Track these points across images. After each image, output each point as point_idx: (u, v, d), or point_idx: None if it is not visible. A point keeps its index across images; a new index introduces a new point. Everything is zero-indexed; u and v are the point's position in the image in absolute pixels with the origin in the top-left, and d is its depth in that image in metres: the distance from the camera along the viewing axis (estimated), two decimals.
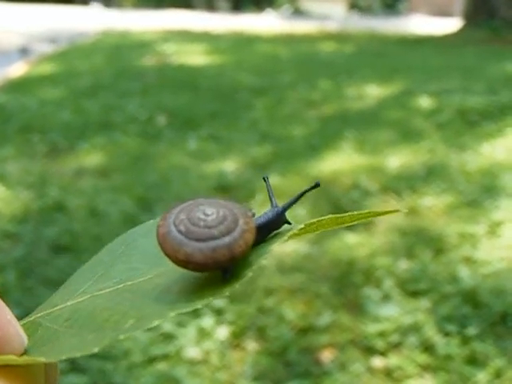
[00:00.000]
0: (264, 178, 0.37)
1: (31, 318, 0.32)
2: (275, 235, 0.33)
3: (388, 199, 3.00)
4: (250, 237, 0.30)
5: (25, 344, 0.29)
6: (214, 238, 0.29)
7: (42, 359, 0.27)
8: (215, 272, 0.30)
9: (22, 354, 0.28)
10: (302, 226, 0.33)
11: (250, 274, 0.29)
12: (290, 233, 0.32)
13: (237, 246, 0.29)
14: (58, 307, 0.33)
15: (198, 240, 0.29)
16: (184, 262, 0.29)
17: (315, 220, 0.33)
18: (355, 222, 0.35)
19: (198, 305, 0.28)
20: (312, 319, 2.01)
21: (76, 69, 7.02)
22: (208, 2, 23.98)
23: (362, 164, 3.52)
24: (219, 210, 0.30)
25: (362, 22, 17.86)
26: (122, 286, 0.32)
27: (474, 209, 2.86)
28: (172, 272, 0.32)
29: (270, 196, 0.36)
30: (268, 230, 0.33)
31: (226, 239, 0.29)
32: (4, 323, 0.27)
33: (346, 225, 0.35)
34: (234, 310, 2.03)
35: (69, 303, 0.33)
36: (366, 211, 0.34)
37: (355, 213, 0.34)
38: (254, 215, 0.32)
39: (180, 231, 0.30)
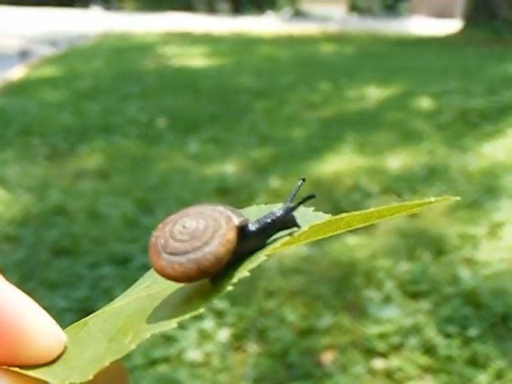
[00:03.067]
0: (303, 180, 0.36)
1: (86, 318, 0.33)
2: (280, 236, 0.32)
3: (389, 200, 3.00)
4: (222, 250, 0.30)
5: (61, 342, 0.29)
6: (185, 252, 0.30)
7: (48, 379, 0.27)
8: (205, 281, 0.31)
9: (61, 354, 0.28)
10: (306, 228, 0.31)
11: (230, 287, 0.29)
12: (281, 242, 0.31)
13: (204, 260, 0.29)
14: (108, 307, 0.33)
15: (172, 254, 0.30)
16: (161, 274, 0.30)
17: (337, 217, 0.32)
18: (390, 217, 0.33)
19: (173, 324, 0.28)
20: (313, 321, 2.01)
21: (76, 71, 7.02)
22: (208, 4, 24.00)
23: (363, 165, 3.52)
24: (200, 221, 0.31)
25: (362, 23, 17.87)
26: (147, 292, 0.33)
27: (474, 210, 2.86)
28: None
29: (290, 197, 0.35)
30: (267, 234, 0.33)
31: (196, 254, 0.29)
32: (38, 327, 0.28)
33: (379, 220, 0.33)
34: (235, 312, 2.03)
35: (118, 304, 0.33)
36: (411, 203, 0.32)
37: (398, 205, 0.32)
38: (244, 222, 0.32)
39: (161, 244, 0.30)
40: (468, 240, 2.56)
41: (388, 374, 1.77)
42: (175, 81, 6.31)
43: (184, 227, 0.31)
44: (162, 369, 1.79)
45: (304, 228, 0.32)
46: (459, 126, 4.40)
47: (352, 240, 2.53)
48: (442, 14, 19.66)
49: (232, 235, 0.30)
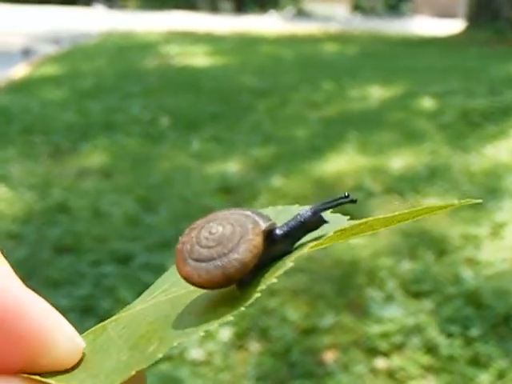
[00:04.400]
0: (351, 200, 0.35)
1: (104, 322, 0.32)
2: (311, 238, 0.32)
3: (391, 200, 3.00)
4: (248, 256, 0.29)
5: (80, 348, 0.28)
6: (210, 259, 0.29)
7: None
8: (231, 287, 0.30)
9: (79, 360, 0.28)
10: (331, 234, 0.31)
11: (257, 294, 0.28)
12: (312, 244, 0.31)
13: (230, 267, 0.29)
14: (127, 312, 0.32)
15: (197, 260, 0.29)
16: (187, 281, 0.30)
17: (361, 221, 0.32)
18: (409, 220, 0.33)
19: (200, 332, 0.27)
20: (315, 320, 2.01)
21: (79, 70, 7.02)
22: (211, 3, 23.99)
23: (365, 165, 3.52)
24: (226, 226, 0.30)
25: (365, 23, 17.86)
26: (166, 297, 0.32)
27: (476, 210, 2.86)
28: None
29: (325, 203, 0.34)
30: (295, 237, 0.32)
31: (222, 260, 0.29)
32: (50, 328, 0.27)
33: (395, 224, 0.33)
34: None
35: (137, 308, 0.32)
36: (423, 207, 0.32)
37: (411, 210, 0.32)
38: (271, 226, 0.31)
39: (187, 249, 0.30)
40: (470, 240, 2.56)
41: (390, 373, 1.77)
42: (178, 80, 6.31)
43: (210, 233, 0.30)
44: (164, 367, 1.79)
45: (329, 233, 0.32)
46: (461, 127, 4.39)
47: (354, 239, 2.52)
48: (445, 14, 19.64)
49: (258, 240, 0.30)
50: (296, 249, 0.32)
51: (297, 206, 0.35)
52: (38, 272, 2.31)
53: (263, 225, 0.31)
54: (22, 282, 0.27)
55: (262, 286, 0.29)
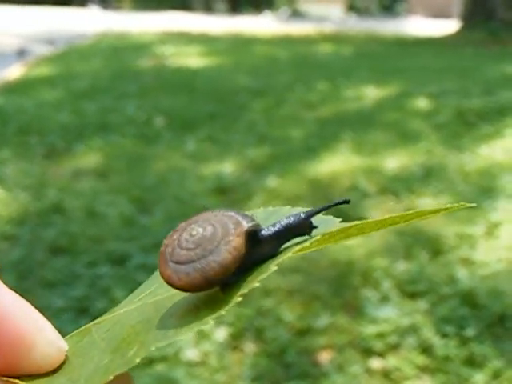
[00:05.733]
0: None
1: (89, 325, 0.31)
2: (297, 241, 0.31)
3: (386, 200, 3.00)
4: (228, 258, 0.28)
5: (62, 351, 0.28)
6: (190, 261, 0.29)
7: None
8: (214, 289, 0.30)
9: (62, 363, 0.28)
10: (318, 237, 0.30)
11: (238, 299, 0.28)
12: (298, 247, 0.30)
13: (210, 269, 0.28)
14: (112, 314, 0.32)
15: (178, 263, 0.29)
16: (168, 284, 0.29)
17: (350, 225, 0.31)
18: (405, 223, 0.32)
19: (180, 336, 0.27)
20: (310, 320, 2.01)
21: (74, 70, 7.01)
22: (206, 3, 23.98)
23: (360, 165, 3.52)
24: (207, 228, 0.30)
25: (359, 23, 17.87)
26: (151, 299, 0.32)
27: (471, 210, 2.86)
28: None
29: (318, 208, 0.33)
30: (282, 239, 0.31)
31: (201, 263, 0.28)
32: (32, 331, 0.26)
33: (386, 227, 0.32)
34: (233, 311, 2.03)
35: (122, 310, 0.32)
36: (416, 211, 0.31)
37: (406, 213, 0.31)
38: (256, 227, 0.30)
39: (168, 252, 0.30)
40: (465, 240, 2.56)
41: (385, 373, 1.77)
42: (173, 80, 6.30)
43: (191, 235, 0.30)
44: (159, 368, 1.78)
45: (316, 236, 0.31)
46: (456, 127, 4.40)
47: (349, 239, 2.52)
48: (440, 14, 19.67)
49: (239, 241, 0.29)
50: (283, 251, 0.31)
51: (289, 207, 0.34)
52: (33, 273, 2.31)
53: (246, 225, 0.30)
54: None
55: (244, 290, 0.28)
